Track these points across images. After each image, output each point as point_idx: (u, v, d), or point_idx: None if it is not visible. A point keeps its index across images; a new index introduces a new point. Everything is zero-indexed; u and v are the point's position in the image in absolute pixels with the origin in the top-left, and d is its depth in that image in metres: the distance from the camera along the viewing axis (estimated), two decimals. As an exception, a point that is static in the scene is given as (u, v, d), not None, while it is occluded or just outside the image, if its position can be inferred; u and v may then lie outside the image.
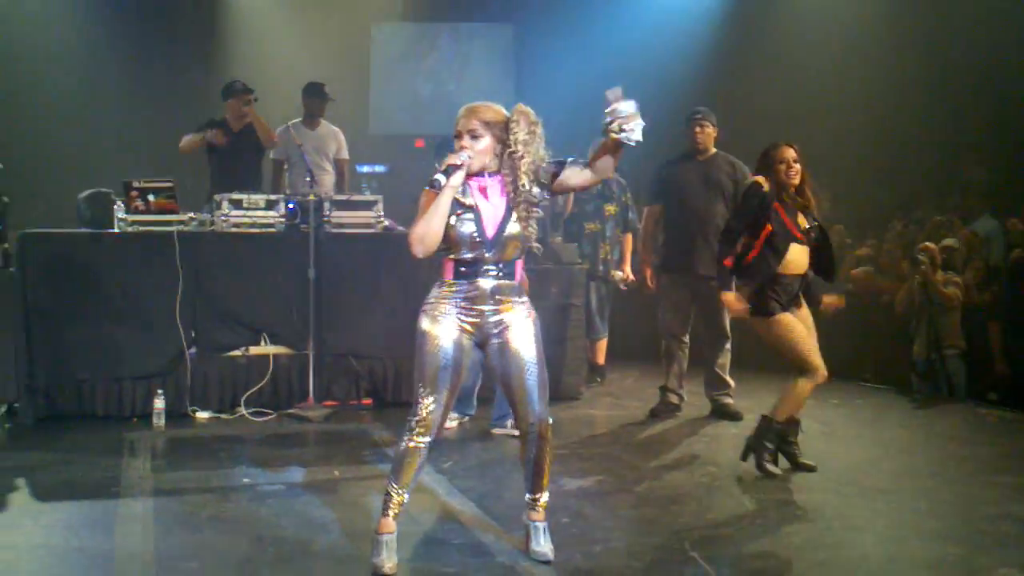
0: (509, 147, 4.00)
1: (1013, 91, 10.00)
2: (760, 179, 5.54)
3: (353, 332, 7.27)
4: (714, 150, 7.17)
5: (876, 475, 5.65)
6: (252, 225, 7.12)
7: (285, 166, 8.66)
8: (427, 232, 3.95)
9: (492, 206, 4.06)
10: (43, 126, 9.62)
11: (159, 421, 6.65)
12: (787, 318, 5.43)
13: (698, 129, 7.10)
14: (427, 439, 4.05)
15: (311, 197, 7.15)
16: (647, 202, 7.57)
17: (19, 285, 6.69)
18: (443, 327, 4.05)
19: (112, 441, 6.24)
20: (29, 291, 6.69)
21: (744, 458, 5.56)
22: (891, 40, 10.76)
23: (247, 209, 7.12)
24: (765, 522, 4.81)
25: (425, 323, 4.08)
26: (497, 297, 4.07)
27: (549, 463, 4.23)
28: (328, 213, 7.25)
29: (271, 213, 7.15)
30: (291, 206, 7.18)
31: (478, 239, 4.02)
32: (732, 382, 7.21)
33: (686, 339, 7.24)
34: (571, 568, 4.17)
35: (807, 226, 5.50)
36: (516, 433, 4.34)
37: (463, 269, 4.06)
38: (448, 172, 3.94)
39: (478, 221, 4.02)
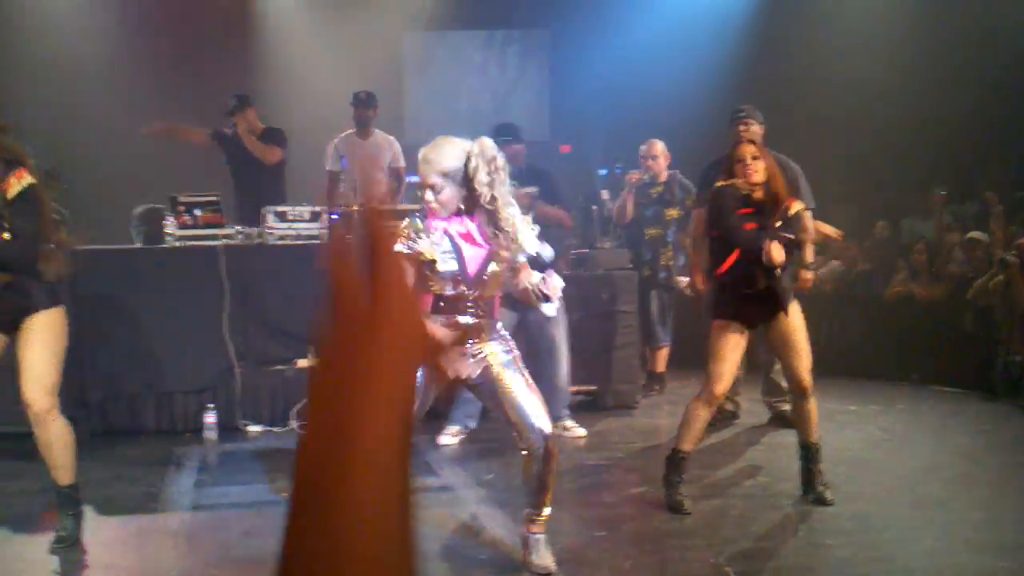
0: (474, 190, 3.91)
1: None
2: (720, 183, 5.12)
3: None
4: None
5: (933, 484, 5.41)
6: (297, 237, 7.11)
7: (342, 177, 8.63)
8: None
9: (472, 247, 4.00)
10: (88, 143, 9.75)
11: (210, 435, 6.65)
12: (724, 328, 4.99)
13: (742, 128, 6.75)
14: None
15: (355, 208, 7.10)
16: (695, 205, 7.22)
17: (70, 301, 6.74)
18: None
19: (161, 456, 6.24)
20: (81, 307, 6.75)
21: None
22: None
23: (292, 221, 7.10)
24: (809, 534, 4.63)
25: None
26: (474, 333, 4.02)
27: (554, 478, 4.09)
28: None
29: (315, 224, 7.13)
30: (335, 217, 7.15)
31: (459, 277, 3.98)
32: (790, 387, 6.98)
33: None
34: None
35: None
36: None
37: (442, 304, 4.02)
38: None
39: (460, 260, 3.98)
